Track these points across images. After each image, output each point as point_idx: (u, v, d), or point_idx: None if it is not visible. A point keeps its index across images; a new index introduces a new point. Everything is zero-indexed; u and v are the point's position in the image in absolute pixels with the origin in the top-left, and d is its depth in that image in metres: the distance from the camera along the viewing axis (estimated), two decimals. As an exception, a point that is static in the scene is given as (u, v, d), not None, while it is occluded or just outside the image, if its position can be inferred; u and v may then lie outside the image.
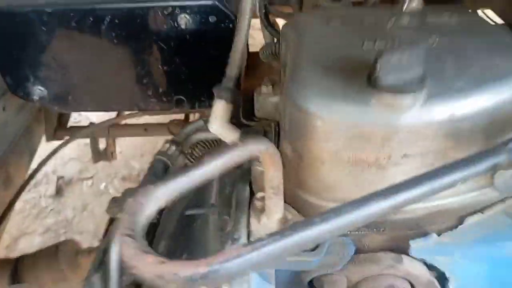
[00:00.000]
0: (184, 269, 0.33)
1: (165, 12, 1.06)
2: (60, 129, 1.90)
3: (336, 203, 0.54)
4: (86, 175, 2.70)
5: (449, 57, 0.52)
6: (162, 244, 0.71)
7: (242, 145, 0.45)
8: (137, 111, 1.86)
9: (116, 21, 1.07)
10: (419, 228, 0.56)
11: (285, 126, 0.57)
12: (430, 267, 0.57)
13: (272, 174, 0.51)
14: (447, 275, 0.57)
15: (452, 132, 0.49)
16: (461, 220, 0.56)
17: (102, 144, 2.09)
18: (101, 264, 0.87)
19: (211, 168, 0.43)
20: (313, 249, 0.55)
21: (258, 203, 0.58)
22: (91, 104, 1.27)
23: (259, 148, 0.47)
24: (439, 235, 0.55)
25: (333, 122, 0.50)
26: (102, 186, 2.68)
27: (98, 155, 1.97)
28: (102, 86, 1.21)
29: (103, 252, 0.86)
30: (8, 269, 1.57)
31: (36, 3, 1.08)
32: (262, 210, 0.57)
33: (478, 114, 0.48)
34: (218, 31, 1.08)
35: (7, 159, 1.46)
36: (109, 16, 1.07)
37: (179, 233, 0.70)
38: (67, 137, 1.87)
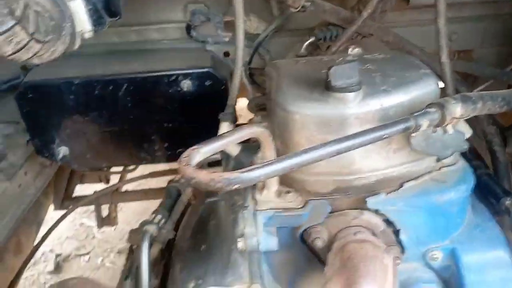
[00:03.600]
0: (226, 174, 0.56)
1: (171, 79, 1.34)
2: (67, 199, 2.07)
3: (315, 176, 0.79)
4: (83, 251, 2.81)
5: (377, 73, 0.81)
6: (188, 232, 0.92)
7: (250, 126, 0.71)
8: (136, 177, 2.08)
9: (131, 87, 1.34)
10: (373, 191, 0.79)
11: (275, 127, 0.83)
12: (387, 222, 0.80)
13: (268, 152, 0.75)
14: (398, 226, 0.80)
15: (382, 117, 0.75)
16: (401, 185, 0.80)
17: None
18: (130, 272, 1.05)
19: (230, 139, 0.68)
20: (302, 207, 0.78)
21: (259, 183, 0.81)
22: (106, 160, 1.49)
23: (260, 130, 0.72)
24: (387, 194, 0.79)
25: (306, 115, 0.76)
26: (99, 260, 2.79)
27: (102, 221, 2.13)
28: (115, 145, 1.44)
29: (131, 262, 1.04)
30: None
31: (65, 76, 1.34)
32: (263, 187, 0.80)
33: (397, 104, 0.76)
34: (212, 92, 1.37)
35: (18, 229, 1.59)
36: (126, 84, 1.34)
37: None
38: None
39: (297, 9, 1.09)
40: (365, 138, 0.65)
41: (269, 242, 0.76)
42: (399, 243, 0.80)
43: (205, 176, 0.56)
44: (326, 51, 1.24)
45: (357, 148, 0.65)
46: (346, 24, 1.18)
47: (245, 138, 0.70)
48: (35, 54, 0.70)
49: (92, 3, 0.94)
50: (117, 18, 1.07)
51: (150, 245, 1.02)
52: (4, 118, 1.53)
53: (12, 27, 0.61)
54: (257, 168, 0.57)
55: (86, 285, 0.70)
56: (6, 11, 0.58)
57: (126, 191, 2.16)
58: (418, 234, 0.80)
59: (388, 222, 0.80)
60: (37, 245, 1.90)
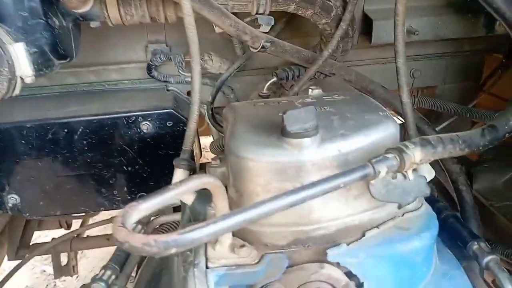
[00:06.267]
0: (162, 237, 0.50)
1: (130, 121, 1.29)
2: (23, 247, 1.95)
3: (271, 227, 0.73)
4: (42, 302, 2.64)
5: (336, 116, 0.78)
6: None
7: (198, 177, 0.65)
8: (97, 222, 1.98)
9: (87, 130, 1.28)
10: (333, 242, 0.74)
11: (229, 174, 0.78)
12: (349, 275, 0.75)
13: (220, 204, 0.70)
14: (361, 279, 0.74)
15: (341, 162, 0.71)
16: (363, 234, 0.76)
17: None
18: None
19: (176, 192, 0.62)
20: (257, 262, 0.72)
21: (212, 237, 0.75)
22: (61, 207, 1.41)
23: (209, 180, 0.66)
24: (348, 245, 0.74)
25: (260, 162, 0.71)
26: (59, 312, 2.62)
27: (60, 271, 2.01)
28: (71, 190, 1.37)
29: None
30: None
31: (15, 119, 1.26)
32: (216, 241, 0.74)
33: (356, 149, 0.72)
34: (174, 133, 1.32)
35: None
36: (82, 127, 1.27)
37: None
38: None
39: (257, 50, 1.06)
40: (320, 188, 0.60)
41: (222, 303, 0.70)
42: (364, 297, 0.75)
43: (138, 240, 0.50)
44: (289, 91, 1.22)
45: (312, 199, 0.60)
46: (307, 63, 1.16)
47: (194, 190, 0.65)
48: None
49: (37, 45, 0.89)
50: (67, 60, 1.02)
51: (99, 304, 0.94)
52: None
53: None
54: (199, 228, 0.52)
55: None
56: None
57: (87, 237, 2.05)
58: (383, 286, 0.75)
59: (351, 274, 0.75)
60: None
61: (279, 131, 0.73)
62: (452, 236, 0.91)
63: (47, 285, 2.73)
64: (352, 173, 0.63)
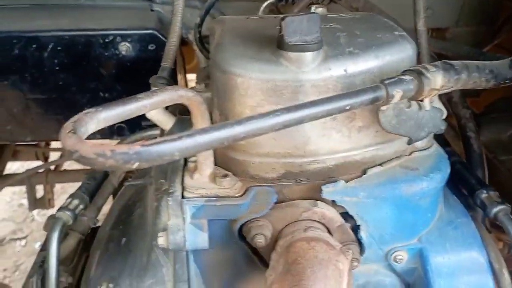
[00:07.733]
0: (121, 148, 0.40)
1: (106, 40, 1.15)
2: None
3: (260, 158, 0.63)
4: (19, 235, 2.57)
5: (343, 33, 0.66)
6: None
7: (173, 88, 0.54)
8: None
9: (58, 48, 1.14)
10: (330, 178, 0.65)
11: (214, 95, 0.66)
12: (345, 216, 0.66)
13: (199, 125, 0.59)
14: (357, 222, 0.65)
15: (346, 85, 0.60)
16: (364, 172, 0.66)
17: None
18: (41, 267, 0.87)
19: (144, 103, 0.51)
20: (241, 195, 0.62)
21: (191, 164, 0.65)
22: (31, 133, 1.29)
23: (188, 94, 0.55)
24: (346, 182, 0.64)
25: (250, 79, 0.60)
26: (37, 245, 2.56)
27: (35, 203, 1.91)
28: (41, 115, 1.24)
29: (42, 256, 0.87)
30: None
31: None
32: (195, 168, 0.64)
33: (366, 70, 0.61)
34: (157, 58, 1.18)
35: None
36: (52, 43, 1.13)
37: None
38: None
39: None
40: (322, 108, 0.49)
41: (198, 238, 0.61)
42: (359, 241, 0.66)
43: (91, 149, 0.39)
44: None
45: (311, 120, 0.49)
46: (310, -17, 1.02)
47: (167, 104, 0.54)
48: None
49: None
50: None
51: (65, 235, 0.85)
52: None
53: None
54: (170, 140, 0.41)
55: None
56: None
57: (65, 170, 1.95)
58: (381, 231, 0.66)
59: (347, 216, 0.66)
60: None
61: (274, 45, 0.61)
62: (458, 184, 0.83)
63: (25, 218, 2.66)
64: (361, 94, 0.52)
